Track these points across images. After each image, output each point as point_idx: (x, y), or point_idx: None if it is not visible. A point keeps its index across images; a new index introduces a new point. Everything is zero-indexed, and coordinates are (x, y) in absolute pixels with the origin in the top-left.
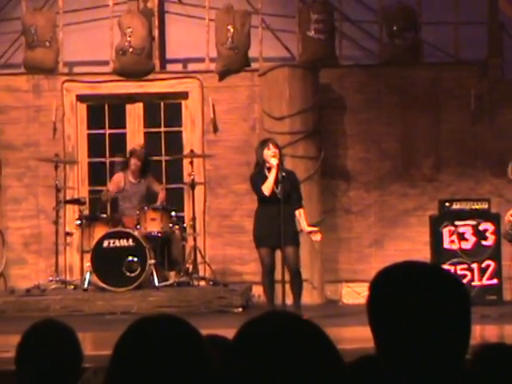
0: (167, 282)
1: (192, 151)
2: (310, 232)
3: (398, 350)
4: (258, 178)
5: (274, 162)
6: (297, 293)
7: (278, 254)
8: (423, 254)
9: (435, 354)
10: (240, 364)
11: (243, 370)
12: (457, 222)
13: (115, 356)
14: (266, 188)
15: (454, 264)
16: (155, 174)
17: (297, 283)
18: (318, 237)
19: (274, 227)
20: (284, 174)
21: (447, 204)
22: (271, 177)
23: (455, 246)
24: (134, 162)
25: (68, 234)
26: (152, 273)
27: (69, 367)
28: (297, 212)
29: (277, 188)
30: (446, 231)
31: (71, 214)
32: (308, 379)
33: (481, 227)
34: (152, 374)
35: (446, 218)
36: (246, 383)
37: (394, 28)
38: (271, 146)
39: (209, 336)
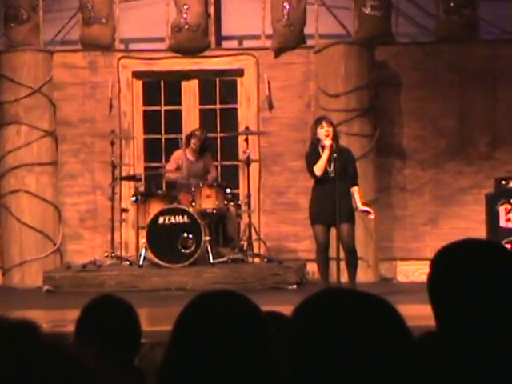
0: (222, 259)
1: (247, 128)
2: (364, 211)
3: (459, 326)
4: (311, 157)
5: (327, 142)
6: (352, 271)
7: (333, 231)
8: (479, 233)
9: (497, 330)
10: (305, 342)
11: (310, 349)
12: None
13: (176, 332)
14: (318, 168)
15: (510, 242)
16: (210, 152)
17: (352, 261)
18: (371, 216)
19: (329, 205)
20: (336, 154)
21: (503, 182)
22: (323, 157)
23: (511, 224)
24: (193, 141)
25: (124, 210)
26: (207, 249)
27: (128, 342)
28: (351, 189)
29: (329, 167)
30: (502, 209)
31: (127, 190)
32: (377, 355)
33: None
34: (213, 349)
35: (502, 196)
36: (312, 361)
37: (451, 4)
38: (325, 124)
39: (269, 312)
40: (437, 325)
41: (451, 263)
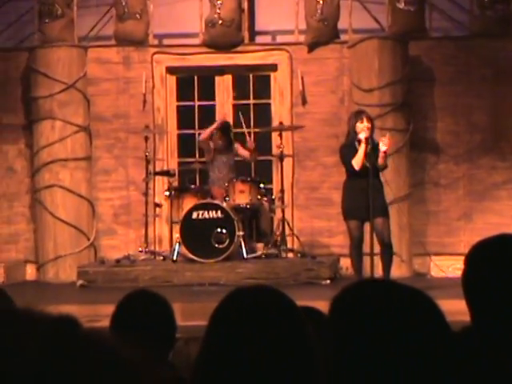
0: (255, 254)
1: (281, 123)
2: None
3: (494, 322)
4: (347, 150)
5: (362, 135)
6: (387, 265)
7: (367, 226)
8: None
9: None
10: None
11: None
12: None
13: (211, 327)
14: (356, 163)
15: None
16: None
17: (388, 255)
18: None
19: (363, 200)
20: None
21: None
22: (361, 151)
23: None
24: (215, 142)
25: (157, 205)
26: (240, 244)
27: (163, 337)
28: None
29: (366, 161)
30: None
31: (160, 185)
32: (417, 348)
33: None
34: (250, 344)
35: None
36: (353, 352)
37: None
38: (365, 119)
39: (304, 307)
40: (472, 320)
41: (485, 258)
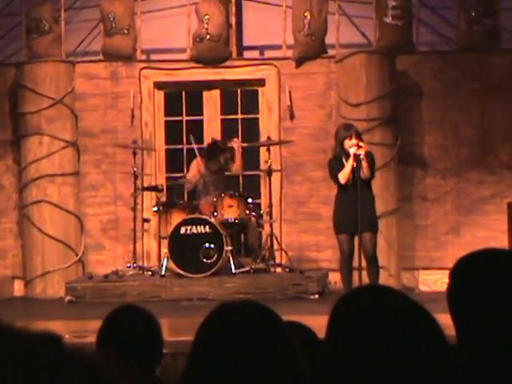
0: (244, 269)
1: (269, 138)
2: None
3: (478, 338)
4: (335, 164)
5: (352, 150)
6: (373, 280)
7: (357, 240)
8: (500, 242)
9: None
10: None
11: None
12: None
13: (197, 342)
14: (342, 177)
15: None
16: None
17: (373, 270)
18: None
19: (353, 213)
20: (362, 153)
21: None
22: (348, 166)
23: None
24: (208, 163)
25: (145, 220)
26: (229, 259)
27: (150, 352)
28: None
29: (354, 175)
30: None
31: (148, 200)
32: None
33: None
34: (236, 359)
35: None
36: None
37: (472, 14)
38: (354, 138)
39: (290, 322)
40: (457, 335)
41: (471, 273)
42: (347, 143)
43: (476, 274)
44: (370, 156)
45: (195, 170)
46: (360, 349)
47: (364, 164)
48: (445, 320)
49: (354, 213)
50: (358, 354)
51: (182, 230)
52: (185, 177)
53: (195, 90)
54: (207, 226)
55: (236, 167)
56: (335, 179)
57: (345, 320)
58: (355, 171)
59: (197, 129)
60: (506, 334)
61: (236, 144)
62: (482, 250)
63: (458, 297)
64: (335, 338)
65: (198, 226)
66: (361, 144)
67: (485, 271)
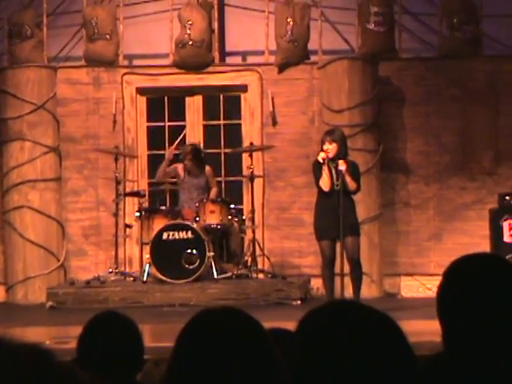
0: (226, 275)
1: (251, 144)
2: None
3: (467, 343)
4: (316, 170)
5: (319, 157)
6: (356, 284)
7: (338, 246)
8: (482, 248)
9: (506, 348)
10: (307, 354)
11: (310, 361)
12: None
13: (177, 348)
14: (323, 185)
15: None
16: (214, 167)
17: (357, 274)
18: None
19: (334, 219)
20: (343, 168)
21: (507, 197)
22: (324, 174)
23: None
24: (186, 162)
25: (127, 226)
26: (211, 265)
27: (130, 359)
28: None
29: (337, 180)
30: (505, 225)
31: (131, 206)
32: (379, 371)
33: None
34: (214, 366)
35: (505, 211)
36: (314, 374)
37: (454, 21)
38: (327, 142)
39: (271, 329)
40: (444, 341)
41: (463, 276)
42: (323, 148)
43: (469, 278)
44: (353, 167)
45: (173, 171)
46: (326, 366)
47: (347, 178)
48: (427, 326)
49: (334, 219)
50: (324, 371)
51: (164, 236)
52: (168, 182)
53: (178, 96)
54: (189, 232)
55: (214, 192)
56: (318, 187)
57: (309, 337)
58: (333, 177)
59: (179, 134)
60: (493, 340)
61: (209, 172)
62: (477, 253)
63: (449, 301)
64: (301, 354)
65: (180, 232)
66: (325, 148)
67: (478, 275)
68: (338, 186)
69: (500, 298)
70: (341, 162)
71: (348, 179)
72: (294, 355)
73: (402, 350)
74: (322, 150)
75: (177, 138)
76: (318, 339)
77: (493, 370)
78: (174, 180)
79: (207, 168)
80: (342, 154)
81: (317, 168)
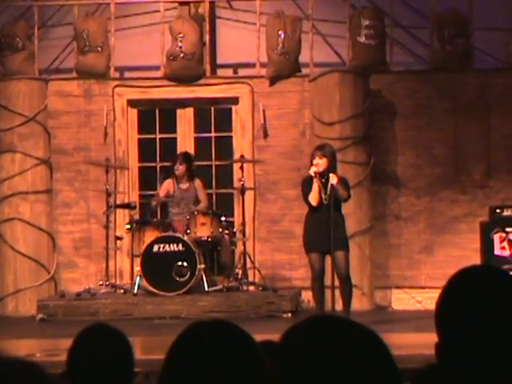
0: (216, 287)
1: (242, 156)
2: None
3: (464, 355)
4: (306, 185)
5: (310, 171)
6: (346, 299)
7: (328, 259)
8: (473, 261)
9: (504, 361)
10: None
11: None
12: (508, 229)
13: (169, 360)
14: (312, 199)
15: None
16: (205, 179)
17: (346, 289)
18: (334, 179)
19: (323, 232)
20: (330, 182)
21: (498, 210)
22: (314, 187)
23: (506, 253)
24: (176, 167)
25: (118, 238)
26: (202, 278)
27: (120, 371)
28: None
29: (325, 194)
30: (496, 237)
31: (121, 218)
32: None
33: None
34: (205, 379)
35: (496, 224)
36: None
37: (445, 34)
38: (317, 157)
39: (262, 341)
40: (439, 353)
41: (464, 289)
42: (313, 162)
43: (470, 290)
44: (343, 181)
45: (165, 190)
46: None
47: (339, 188)
48: (418, 339)
49: (324, 232)
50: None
51: (155, 248)
52: (157, 195)
53: (169, 108)
54: (180, 244)
55: (202, 205)
56: (306, 202)
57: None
58: (322, 192)
59: (170, 147)
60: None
61: (199, 184)
62: (481, 265)
63: (449, 312)
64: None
65: (171, 244)
66: (315, 163)
67: (479, 287)
68: (326, 200)
69: (501, 310)
70: (332, 175)
71: (340, 188)
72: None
73: (385, 364)
74: (312, 165)
75: (169, 151)
76: (299, 354)
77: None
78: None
79: (197, 181)
80: (331, 168)
81: (306, 183)
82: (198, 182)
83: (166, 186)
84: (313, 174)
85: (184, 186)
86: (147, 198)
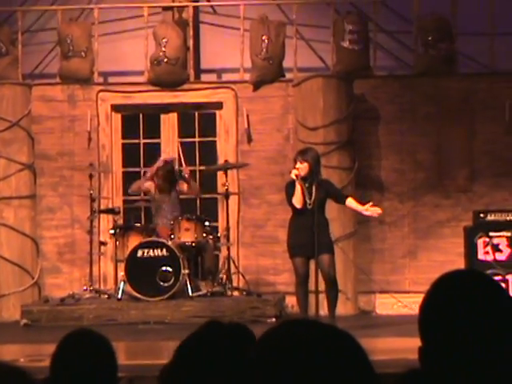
0: (201, 292)
1: (226, 161)
2: (370, 215)
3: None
4: (289, 189)
5: (292, 174)
6: (332, 302)
7: (312, 263)
8: (457, 266)
9: (486, 366)
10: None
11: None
12: (491, 233)
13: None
14: (296, 202)
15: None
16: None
17: (332, 292)
18: (377, 210)
19: (308, 236)
20: (311, 185)
21: (481, 215)
22: (297, 191)
23: (489, 258)
24: (156, 181)
25: (102, 243)
26: (186, 283)
27: (104, 377)
28: (347, 202)
29: (309, 199)
30: (480, 242)
31: (105, 223)
32: None
33: None
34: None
35: (480, 228)
36: None
37: (429, 39)
38: (298, 162)
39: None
40: (422, 357)
41: (447, 294)
42: (295, 166)
43: (453, 295)
44: (328, 185)
45: (148, 187)
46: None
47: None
48: (402, 343)
49: (308, 236)
50: None
51: (139, 253)
52: (143, 200)
53: (153, 113)
54: (164, 249)
55: (193, 188)
56: (290, 205)
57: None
58: (306, 196)
59: (154, 152)
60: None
61: (186, 173)
62: (465, 270)
63: (432, 317)
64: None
65: (155, 249)
66: (297, 167)
67: (463, 292)
68: (310, 204)
69: (484, 315)
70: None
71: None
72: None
73: (362, 368)
74: (295, 168)
75: (153, 156)
76: (272, 361)
77: None
78: (147, 197)
79: (180, 183)
80: (314, 173)
81: (289, 187)
82: (180, 182)
83: (148, 187)
84: (294, 177)
85: (165, 191)
86: (131, 203)
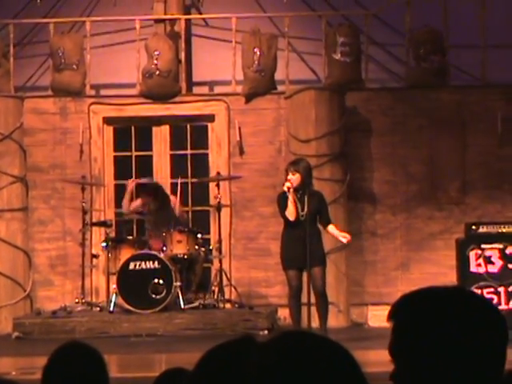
0: (193, 305)
1: (218, 174)
2: (345, 237)
3: (415, 378)
4: (282, 201)
5: (284, 187)
6: (323, 315)
7: (305, 275)
8: (449, 278)
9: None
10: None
11: None
12: (483, 245)
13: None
14: (289, 214)
15: (481, 287)
16: (181, 197)
17: (323, 305)
18: (347, 237)
19: (300, 248)
20: (303, 196)
21: (474, 227)
22: (289, 202)
23: (482, 270)
24: (143, 201)
25: (94, 256)
26: (178, 295)
27: None
28: (329, 229)
29: (302, 210)
30: (472, 254)
31: (97, 236)
32: None
33: (507, 250)
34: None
35: (472, 241)
36: None
37: (421, 51)
38: (290, 173)
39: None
40: (393, 376)
41: (409, 313)
42: (287, 178)
43: (417, 314)
44: (319, 198)
45: (140, 204)
46: None
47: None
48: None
49: (301, 248)
50: None
51: (131, 266)
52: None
53: (144, 126)
54: (156, 262)
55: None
56: (283, 217)
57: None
58: (298, 207)
59: (146, 164)
60: (449, 376)
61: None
62: (423, 288)
63: (397, 337)
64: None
65: (147, 262)
66: (288, 178)
67: (427, 310)
68: (303, 216)
69: (456, 337)
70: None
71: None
72: None
73: (355, 381)
74: (287, 180)
75: (145, 168)
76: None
77: None
78: (141, 211)
79: (172, 198)
80: (305, 184)
81: (281, 199)
82: (173, 199)
83: (135, 207)
84: (286, 189)
85: (156, 206)
86: (123, 216)
